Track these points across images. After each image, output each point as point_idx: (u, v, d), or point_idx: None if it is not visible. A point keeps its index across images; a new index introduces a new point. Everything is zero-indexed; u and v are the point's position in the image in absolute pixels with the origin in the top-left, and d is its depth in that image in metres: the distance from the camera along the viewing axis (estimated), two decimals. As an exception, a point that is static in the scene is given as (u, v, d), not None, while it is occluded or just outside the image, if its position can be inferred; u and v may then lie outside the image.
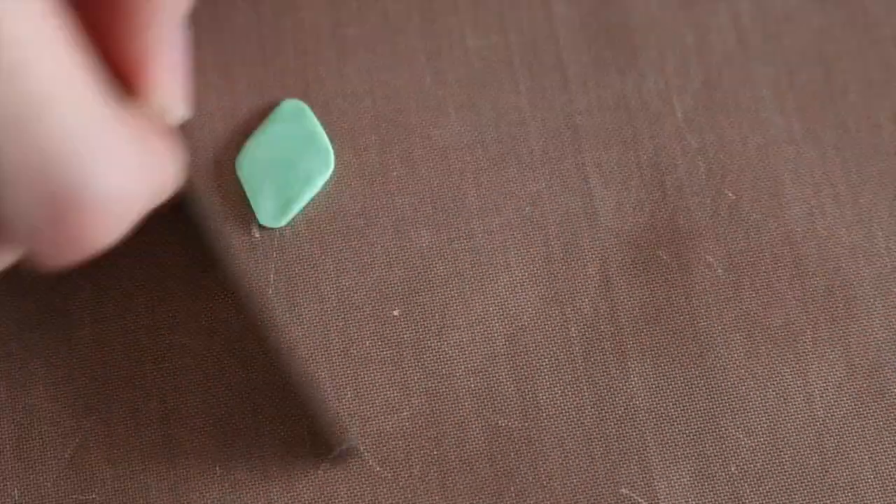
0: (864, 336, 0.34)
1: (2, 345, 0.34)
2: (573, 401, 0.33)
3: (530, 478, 0.33)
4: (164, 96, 0.24)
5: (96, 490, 0.33)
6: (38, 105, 0.20)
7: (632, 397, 0.33)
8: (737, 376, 0.34)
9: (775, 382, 0.34)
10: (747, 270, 0.34)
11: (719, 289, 0.34)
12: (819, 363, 0.34)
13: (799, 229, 0.35)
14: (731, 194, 0.35)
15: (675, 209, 0.35)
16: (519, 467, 0.33)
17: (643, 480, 0.33)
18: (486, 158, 0.35)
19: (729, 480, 0.33)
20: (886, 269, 0.35)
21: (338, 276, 0.34)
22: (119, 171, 0.22)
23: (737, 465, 0.33)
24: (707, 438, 0.33)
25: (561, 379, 0.34)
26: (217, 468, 0.33)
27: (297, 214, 0.35)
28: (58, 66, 0.21)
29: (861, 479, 0.33)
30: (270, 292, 0.34)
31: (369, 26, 0.36)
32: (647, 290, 0.34)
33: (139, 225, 0.25)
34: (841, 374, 0.34)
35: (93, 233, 0.22)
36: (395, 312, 0.34)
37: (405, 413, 0.33)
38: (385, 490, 0.33)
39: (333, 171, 0.35)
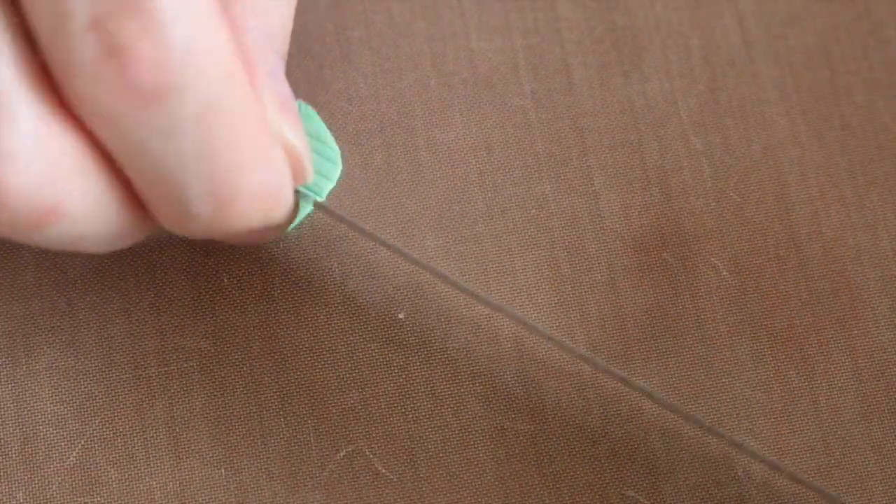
0: (870, 338, 0.34)
1: (6, 347, 0.33)
2: (579, 403, 0.33)
3: (536, 480, 0.33)
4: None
5: (101, 493, 0.32)
6: (223, 140, 0.25)
7: (637, 400, 0.33)
8: (742, 379, 0.34)
9: (781, 385, 0.34)
10: (753, 273, 0.34)
11: (725, 291, 0.34)
12: (825, 365, 0.34)
13: (804, 231, 0.35)
14: (736, 196, 0.35)
15: (681, 212, 0.35)
16: (525, 469, 0.33)
17: (649, 483, 0.33)
18: (492, 161, 0.35)
19: (735, 483, 0.33)
20: (892, 271, 0.35)
21: (343, 280, 0.34)
22: (262, 172, 0.27)
23: (742, 468, 0.33)
24: (713, 441, 0.33)
25: (567, 381, 0.33)
26: (222, 470, 0.33)
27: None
28: (237, 102, 0.25)
29: (867, 482, 0.33)
30: (276, 295, 0.34)
31: (374, 29, 0.36)
32: (653, 293, 0.34)
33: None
34: (847, 376, 0.34)
35: (243, 220, 0.27)
36: (401, 315, 0.34)
37: (410, 416, 0.33)
38: (390, 492, 0.33)
39: (340, 175, 0.35)
